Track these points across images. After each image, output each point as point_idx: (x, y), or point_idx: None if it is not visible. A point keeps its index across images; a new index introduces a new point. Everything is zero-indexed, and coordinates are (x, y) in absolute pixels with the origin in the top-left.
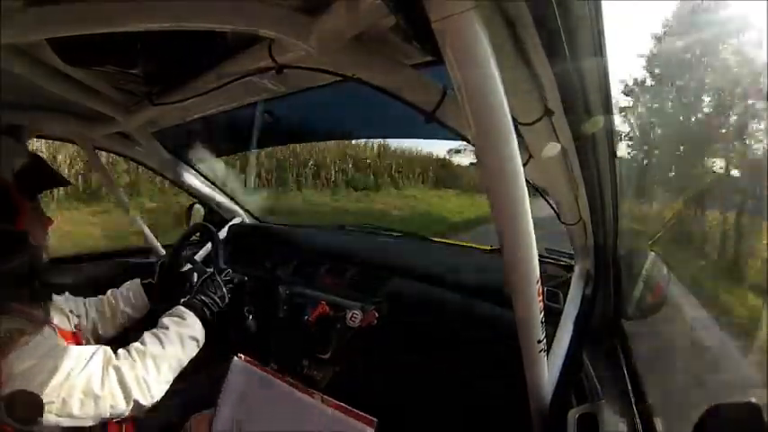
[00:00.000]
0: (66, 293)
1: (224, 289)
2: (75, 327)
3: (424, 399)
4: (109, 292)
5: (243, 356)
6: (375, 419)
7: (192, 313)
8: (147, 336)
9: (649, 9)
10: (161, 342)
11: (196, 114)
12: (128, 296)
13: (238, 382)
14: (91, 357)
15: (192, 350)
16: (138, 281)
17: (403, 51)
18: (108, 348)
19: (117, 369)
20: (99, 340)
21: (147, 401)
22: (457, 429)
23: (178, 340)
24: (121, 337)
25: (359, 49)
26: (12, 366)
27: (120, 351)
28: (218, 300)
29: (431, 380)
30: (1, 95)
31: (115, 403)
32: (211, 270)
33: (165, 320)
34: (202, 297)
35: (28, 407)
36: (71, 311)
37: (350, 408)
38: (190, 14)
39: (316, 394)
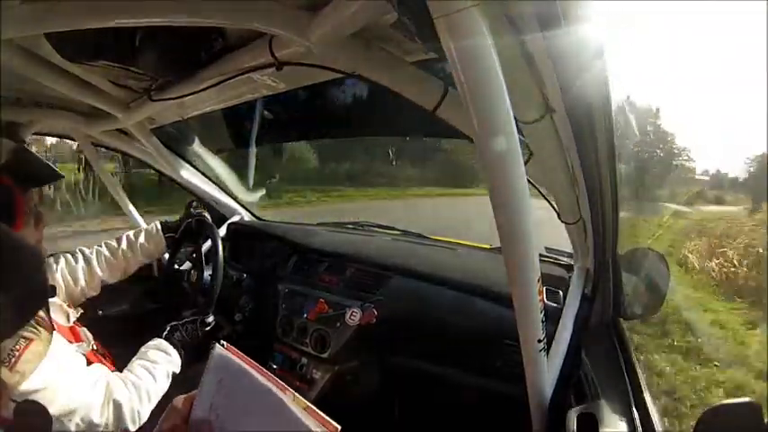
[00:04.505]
0: (63, 259)
1: (200, 339)
2: (74, 322)
3: (423, 397)
4: (124, 241)
5: (225, 344)
6: (339, 427)
7: (174, 350)
8: (139, 369)
9: None
10: (153, 378)
11: (195, 111)
12: (146, 246)
13: (217, 369)
14: (94, 386)
15: (170, 381)
16: (158, 225)
17: (404, 48)
18: (110, 378)
19: (116, 402)
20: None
21: (134, 428)
22: (456, 428)
23: (165, 375)
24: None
25: (360, 46)
26: (20, 381)
27: (119, 382)
28: (190, 344)
29: (430, 378)
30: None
31: (108, 430)
32: (195, 318)
33: (153, 354)
34: (180, 337)
35: (37, 421)
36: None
37: (317, 410)
38: (189, 11)
39: (288, 391)
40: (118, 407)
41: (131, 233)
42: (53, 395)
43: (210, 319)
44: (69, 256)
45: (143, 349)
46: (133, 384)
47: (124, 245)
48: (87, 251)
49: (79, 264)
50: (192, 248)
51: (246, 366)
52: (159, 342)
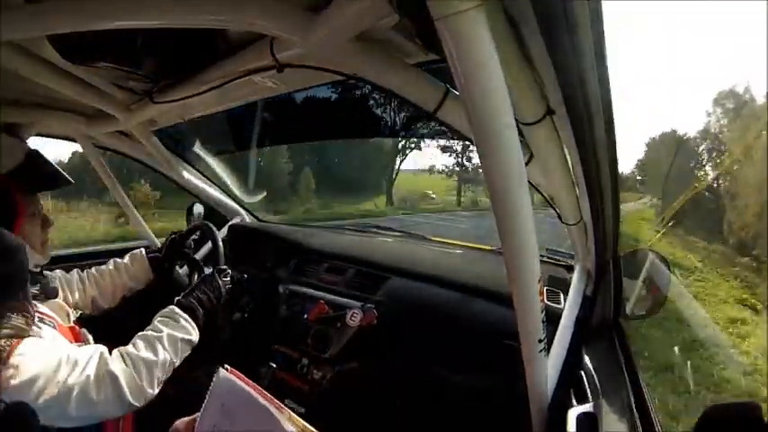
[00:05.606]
0: (59, 272)
1: (222, 291)
2: (74, 322)
3: (424, 398)
4: (111, 263)
5: (228, 368)
6: None
7: (185, 315)
8: (140, 340)
9: None
10: (154, 348)
11: (197, 113)
12: (131, 268)
13: (221, 393)
14: (87, 362)
15: (186, 351)
16: (142, 251)
17: (405, 50)
18: (104, 351)
19: (112, 375)
20: (97, 311)
21: (140, 403)
22: (456, 428)
23: (171, 345)
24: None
25: (360, 48)
26: (14, 374)
27: (115, 355)
28: (213, 300)
29: (430, 379)
30: (1, 93)
31: (110, 407)
32: (211, 270)
33: (159, 323)
34: (199, 295)
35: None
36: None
37: (313, 430)
38: (191, 12)
39: (284, 410)
40: (114, 380)
41: (117, 259)
42: (49, 380)
43: (225, 266)
44: (64, 271)
45: (153, 319)
46: (130, 357)
47: (111, 266)
48: (80, 271)
49: (74, 277)
50: (188, 254)
51: (250, 390)
52: (170, 310)
